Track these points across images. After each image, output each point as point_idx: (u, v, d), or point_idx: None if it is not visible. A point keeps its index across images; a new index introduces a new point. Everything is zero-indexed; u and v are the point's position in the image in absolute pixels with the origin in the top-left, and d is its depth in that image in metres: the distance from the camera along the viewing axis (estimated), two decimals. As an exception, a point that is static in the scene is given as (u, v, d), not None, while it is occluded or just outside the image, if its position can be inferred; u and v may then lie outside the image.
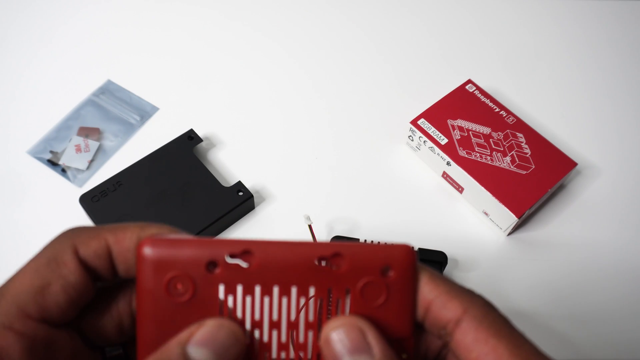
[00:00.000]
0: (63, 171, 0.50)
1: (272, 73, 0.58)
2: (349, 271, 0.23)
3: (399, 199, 0.50)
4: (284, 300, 0.22)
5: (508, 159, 0.48)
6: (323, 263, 0.23)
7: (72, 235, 0.23)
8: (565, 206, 0.50)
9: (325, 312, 0.23)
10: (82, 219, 0.47)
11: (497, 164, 0.48)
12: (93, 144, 0.52)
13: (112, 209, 0.46)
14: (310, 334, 0.23)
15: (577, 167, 0.51)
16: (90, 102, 0.55)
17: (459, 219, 0.49)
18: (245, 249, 0.22)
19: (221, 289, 0.22)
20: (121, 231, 0.23)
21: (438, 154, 0.49)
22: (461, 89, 0.52)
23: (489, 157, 0.48)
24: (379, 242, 0.23)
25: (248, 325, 0.23)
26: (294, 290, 0.23)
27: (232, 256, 0.22)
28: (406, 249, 0.23)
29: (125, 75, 0.57)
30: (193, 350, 0.20)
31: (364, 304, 0.23)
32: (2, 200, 0.49)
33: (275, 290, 0.22)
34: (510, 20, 0.64)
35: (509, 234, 0.48)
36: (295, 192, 0.50)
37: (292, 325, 0.23)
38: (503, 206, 0.46)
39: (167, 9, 0.63)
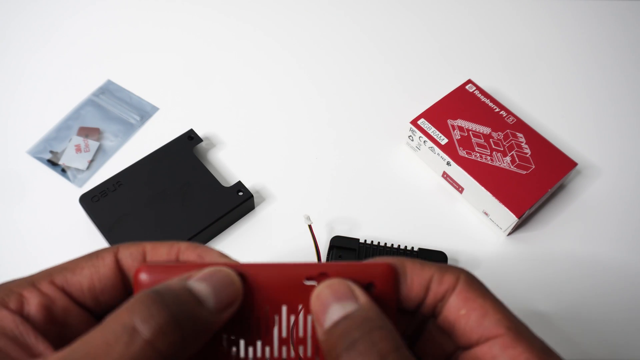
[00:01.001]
0: (63, 171, 0.50)
1: (272, 73, 0.58)
2: None
3: (399, 199, 0.50)
4: (276, 318, 0.24)
5: (508, 159, 0.48)
6: (311, 282, 0.24)
7: (119, 244, 0.26)
8: (565, 206, 0.50)
9: (314, 328, 0.24)
10: (82, 219, 0.47)
11: (497, 164, 0.48)
12: (93, 144, 0.52)
13: (112, 209, 0.46)
14: (301, 349, 0.24)
15: (577, 167, 0.51)
16: (90, 102, 0.55)
17: (459, 219, 0.49)
18: (238, 272, 0.24)
19: None
20: (160, 243, 0.26)
21: (438, 154, 0.49)
22: (461, 89, 0.52)
23: (489, 157, 0.48)
24: (361, 261, 0.25)
25: (242, 344, 0.24)
26: (284, 309, 0.24)
27: None
28: (387, 266, 0.24)
29: (125, 75, 0.57)
30: (195, 284, 0.22)
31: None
32: (2, 200, 0.49)
33: (267, 310, 0.24)
34: (511, 20, 0.64)
35: (509, 234, 0.48)
36: (295, 192, 0.50)
37: (284, 342, 0.24)
38: (503, 206, 0.46)
39: (167, 9, 0.63)
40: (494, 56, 0.60)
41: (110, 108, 0.55)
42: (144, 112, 0.55)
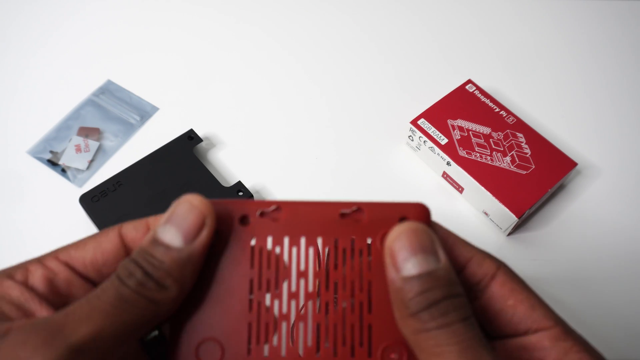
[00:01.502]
0: (63, 171, 0.50)
1: (272, 73, 0.58)
2: (370, 223, 0.25)
3: (399, 198, 0.50)
4: (310, 250, 0.25)
5: (508, 159, 0.48)
6: (345, 218, 0.25)
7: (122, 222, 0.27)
8: (566, 206, 0.50)
9: (349, 261, 0.25)
10: (82, 219, 0.47)
11: (497, 164, 0.48)
12: (93, 144, 0.52)
13: (112, 209, 0.46)
14: (336, 282, 0.25)
15: (577, 167, 0.51)
16: (90, 102, 0.55)
17: (459, 219, 0.49)
18: (275, 206, 0.25)
19: (253, 239, 0.25)
20: (162, 215, 0.27)
21: (438, 154, 0.49)
22: (461, 89, 0.52)
23: (489, 157, 0.48)
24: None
25: (277, 275, 0.25)
26: (319, 241, 0.25)
27: (263, 212, 0.25)
28: (421, 205, 0.25)
29: (125, 75, 0.57)
30: (160, 232, 0.23)
31: (383, 252, 0.24)
32: (2, 200, 0.49)
33: (302, 240, 0.25)
34: (511, 20, 0.64)
35: (509, 234, 0.48)
36: (295, 192, 0.50)
37: (318, 274, 0.25)
38: (503, 206, 0.46)
39: (167, 9, 0.63)
40: (494, 56, 0.60)
41: (110, 108, 0.55)
42: (144, 112, 0.55)
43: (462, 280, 0.25)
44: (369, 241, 0.25)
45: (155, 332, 0.28)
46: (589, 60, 0.61)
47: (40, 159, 0.51)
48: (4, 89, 0.56)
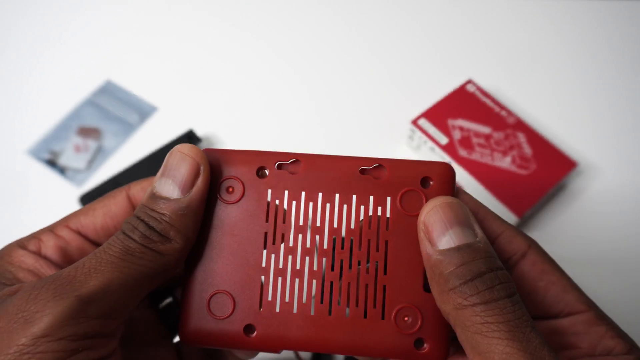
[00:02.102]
0: (62, 171, 0.50)
1: (271, 73, 0.58)
2: (390, 181, 0.24)
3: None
4: (327, 206, 0.24)
5: (509, 159, 0.48)
6: (366, 174, 0.24)
7: (131, 182, 0.28)
8: (566, 206, 0.50)
9: (366, 219, 0.24)
10: (82, 219, 0.47)
11: (497, 164, 0.48)
12: (92, 144, 0.52)
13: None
14: (352, 241, 0.24)
15: (578, 167, 0.51)
16: (90, 102, 0.55)
17: (459, 220, 0.49)
18: (293, 158, 0.24)
19: (269, 192, 0.24)
20: None
21: (439, 154, 0.49)
22: (462, 89, 0.52)
23: (489, 157, 0.48)
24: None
25: (292, 231, 0.24)
26: (337, 197, 0.24)
27: (281, 164, 0.24)
28: (446, 165, 0.24)
29: (124, 75, 0.57)
30: (157, 185, 0.23)
31: (403, 213, 0.24)
32: (1, 200, 0.49)
33: (320, 196, 0.24)
34: (511, 21, 0.63)
35: (510, 234, 0.48)
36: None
37: (334, 232, 0.24)
38: (504, 206, 0.45)
39: (166, 10, 0.63)
40: (495, 56, 0.60)
41: (110, 108, 0.55)
42: (143, 112, 0.55)
43: None
44: (388, 200, 0.24)
45: (170, 299, 0.28)
46: (590, 60, 0.60)
47: (39, 159, 0.51)
48: (4, 89, 0.56)
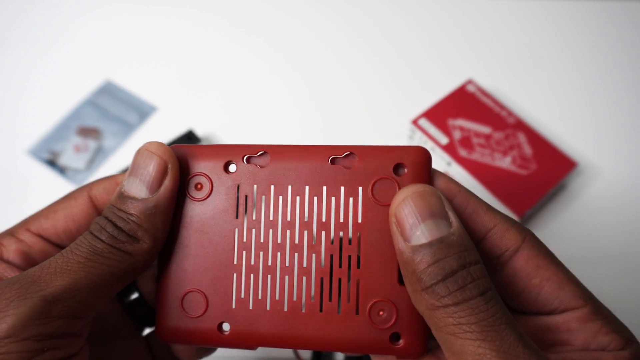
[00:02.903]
0: (62, 171, 0.50)
1: (271, 73, 0.58)
2: (361, 170, 0.23)
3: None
4: (297, 200, 0.23)
5: (509, 159, 0.48)
6: (337, 163, 0.23)
7: (92, 182, 0.27)
8: (566, 206, 0.50)
9: (337, 211, 0.23)
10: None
11: (497, 164, 0.48)
12: (92, 144, 0.52)
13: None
14: (323, 234, 0.23)
15: (578, 167, 0.51)
16: (90, 102, 0.55)
17: (459, 220, 0.49)
18: (261, 150, 0.24)
19: (237, 187, 0.24)
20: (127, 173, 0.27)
21: (439, 154, 0.49)
22: (462, 88, 0.52)
23: (489, 157, 0.48)
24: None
25: (262, 226, 0.23)
26: (307, 189, 0.23)
27: (249, 158, 0.24)
28: (420, 149, 0.23)
29: (124, 75, 0.57)
30: (125, 185, 0.23)
31: (376, 203, 0.23)
32: (1, 200, 0.49)
33: (289, 189, 0.23)
34: (511, 21, 0.63)
35: (510, 234, 0.48)
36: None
37: (305, 226, 0.23)
38: (504, 206, 0.45)
39: (166, 10, 0.63)
40: (495, 56, 0.60)
41: (110, 108, 0.54)
42: (143, 112, 0.55)
43: (480, 252, 0.22)
44: (360, 190, 0.23)
45: (136, 294, 0.28)
46: (590, 60, 0.60)
47: (39, 159, 0.51)
48: (4, 89, 0.56)
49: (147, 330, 0.30)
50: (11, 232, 0.25)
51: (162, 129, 0.53)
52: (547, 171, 0.47)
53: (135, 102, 0.55)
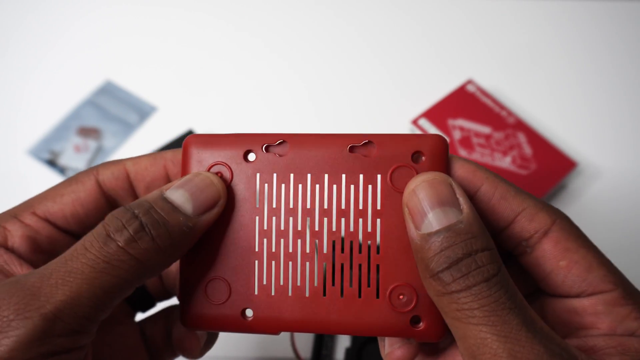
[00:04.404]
0: (62, 171, 0.50)
1: (271, 73, 0.58)
2: (380, 158, 0.23)
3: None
4: (317, 188, 0.24)
5: (509, 159, 0.48)
6: (356, 151, 0.24)
7: (97, 165, 0.26)
8: (566, 207, 0.50)
9: (356, 199, 0.23)
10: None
11: (497, 164, 0.48)
12: (92, 144, 0.52)
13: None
14: (343, 221, 0.24)
15: (578, 167, 0.51)
16: (90, 102, 0.55)
17: (459, 220, 0.49)
18: (280, 139, 0.24)
19: (258, 176, 0.24)
20: (138, 158, 0.25)
21: (438, 154, 0.49)
22: (462, 88, 0.52)
23: (489, 157, 0.48)
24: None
25: (282, 214, 0.24)
26: (326, 177, 0.23)
27: (268, 147, 0.24)
28: (438, 137, 0.23)
29: (124, 75, 0.57)
30: (170, 192, 0.22)
31: (395, 190, 0.23)
32: (1, 200, 0.49)
33: (309, 177, 0.24)
34: (512, 21, 0.63)
35: (510, 234, 0.48)
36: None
37: (325, 213, 0.24)
38: (504, 206, 0.45)
39: (165, 10, 0.63)
40: (495, 56, 0.60)
41: (110, 108, 0.55)
42: (143, 112, 0.55)
43: (509, 235, 0.23)
44: (379, 177, 0.23)
45: None
46: (590, 60, 0.60)
47: (39, 159, 0.51)
48: (5, 89, 0.56)
49: (139, 317, 0.29)
50: (15, 215, 0.24)
51: (162, 129, 0.53)
52: (547, 171, 0.47)
53: (135, 102, 0.55)
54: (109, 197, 0.25)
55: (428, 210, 0.21)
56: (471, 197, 0.23)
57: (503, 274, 0.20)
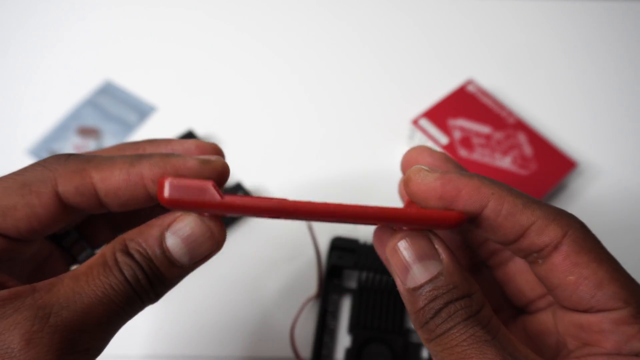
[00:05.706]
0: (62, 171, 0.50)
1: (271, 73, 0.58)
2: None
3: (399, 199, 0.50)
4: None
5: (509, 159, 0.48)
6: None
7: (56, 166, 0.23)
8: (566, 207, 0.49)
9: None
10: (81, 220, 0.47)
11: (498, 164, 0.48)
12: (92, 144, 0.52)
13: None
14: None
15: (578, 167, 0.51)
16: (89, 102, 0.55)
17: (459, 220, 0.49)
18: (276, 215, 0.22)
19: None
20: (108, 168, 0.23)
21: (438, 154, 0.49)
22: (462, 88, 0.52)
23: (490, 157, 0.48)
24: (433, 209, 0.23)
25: None
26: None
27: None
28: (457, 215, 0.22)
29: (123, 75, 0.57)
30: (170, 237, 0.22)
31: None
32: (0, 200, 0.49)
33: None
34: (512, 21, 0.63)
35: (510, 234, 0.48)
36: (295, 193, 0.50)
37: None
38: (504, 206, 0.45)
39: (165, 11, 0.63)
40: (495, 56, 0.60)
41: (109, 108, 0.54)
42: (143, 112, 0.55)
43: (519, 248, 0.23)
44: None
45: (75, 235, 0.27)
46: (590, 60, 0.60)
47: (39, 159, 0.51)
48: (4, 89, 0.56)
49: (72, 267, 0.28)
50: None
51: (162, 129, 0.53)
52: (547, 171, 0.47)
53: (135, 102, 0.55)
54: (72, 208, 0.23)
55: (410, 266, 0.22)
56: (477, 217, 0.22)
57: (484, 311, 0.21)
